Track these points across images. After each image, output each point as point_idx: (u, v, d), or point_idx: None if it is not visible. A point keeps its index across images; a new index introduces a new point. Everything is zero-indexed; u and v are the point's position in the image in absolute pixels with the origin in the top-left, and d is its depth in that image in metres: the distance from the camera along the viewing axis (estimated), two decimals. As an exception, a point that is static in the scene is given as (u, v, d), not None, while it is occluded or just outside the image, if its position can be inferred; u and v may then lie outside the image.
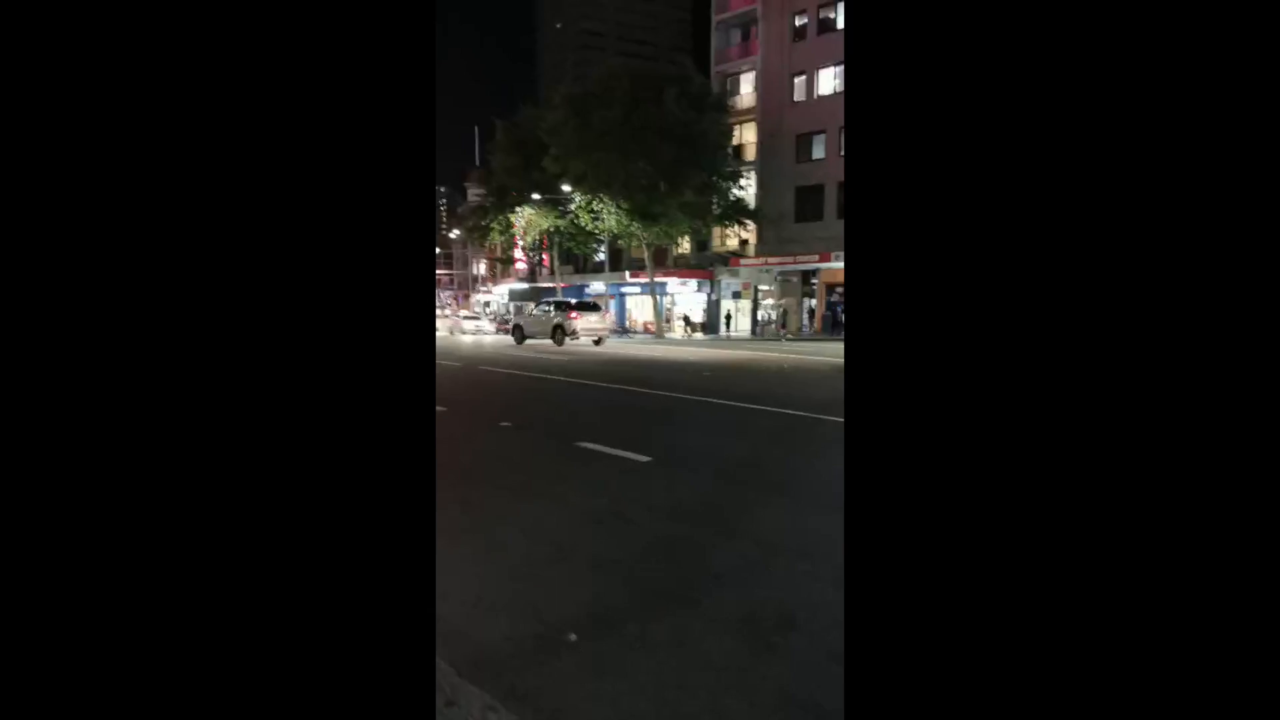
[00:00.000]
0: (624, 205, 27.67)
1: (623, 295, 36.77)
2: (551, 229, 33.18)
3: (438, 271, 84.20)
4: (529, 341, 21.12)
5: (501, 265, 45.05)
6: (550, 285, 37.38)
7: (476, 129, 56.76)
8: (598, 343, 20.90)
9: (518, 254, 40.27)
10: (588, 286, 37.88)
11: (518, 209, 33.76)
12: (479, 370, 13.09)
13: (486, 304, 47.13)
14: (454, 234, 65.99)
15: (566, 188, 29.23)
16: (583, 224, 30.63)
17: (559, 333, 20.71)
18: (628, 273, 35.14)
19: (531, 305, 26.47)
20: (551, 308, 22.31)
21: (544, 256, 38.97)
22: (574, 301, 22.96)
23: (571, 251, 35.70)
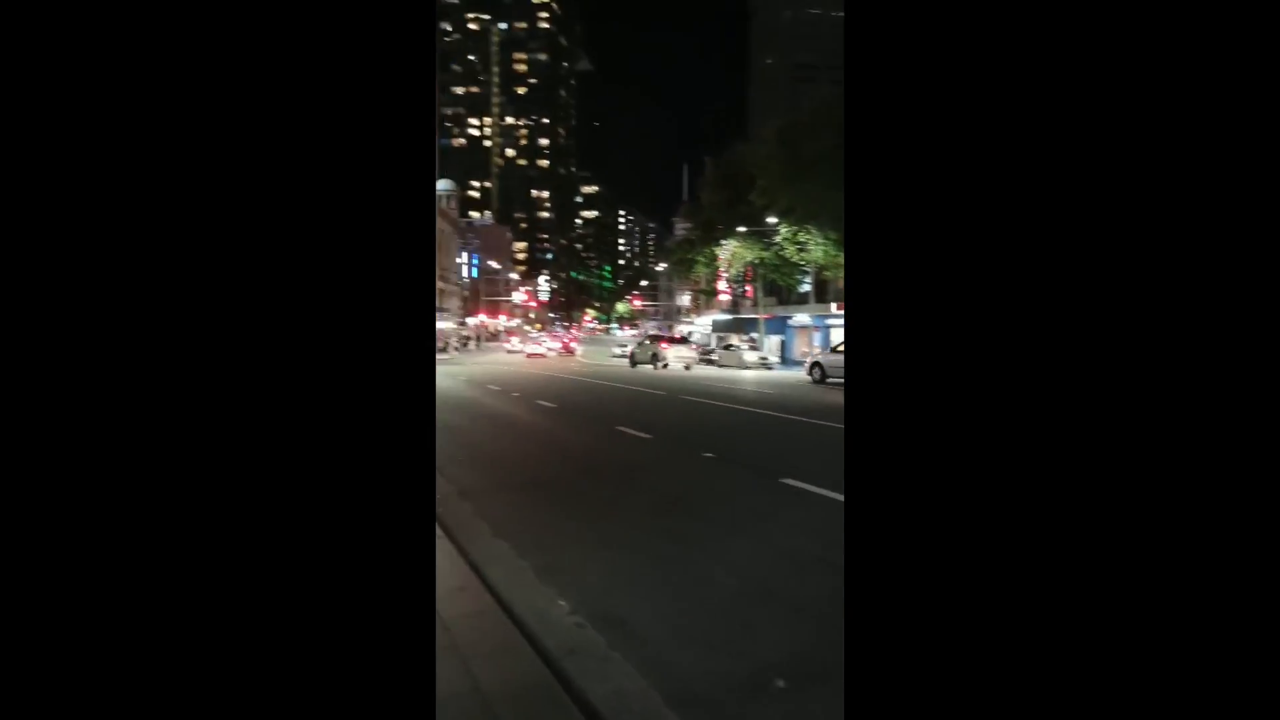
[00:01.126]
0: (831, 235, 26.96)
1: (828, 327, 35.61)
2: (756, 261, 33.26)
3: (643, 303, 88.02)
4: (641, 367, 27.84)
5: (705, 297, 45.95)
6: (753, 317, 37.33)
7: (685, 166, 58.91)
8: (687, 368, 26.40)
9: (721, 285, 40.82)
10: (791, 318, 37.26)
11: (723, 242, 34.32)
12: (680, 400, 13.40)
13: (689, 334, 48.38)
14: (660, 267, 68.63)
15: (772, 219, 29.18)
16: (788, 255, 30.32)
17: (655, 359, 27.62)
18: (834, 304, 34.00)
19: (637, 340, 36.67)
20: (650, 341, 31.56)
21: (747, 288, 39.10)
22: (666, 336, 33.37)
23: (775, 283, 35.41)
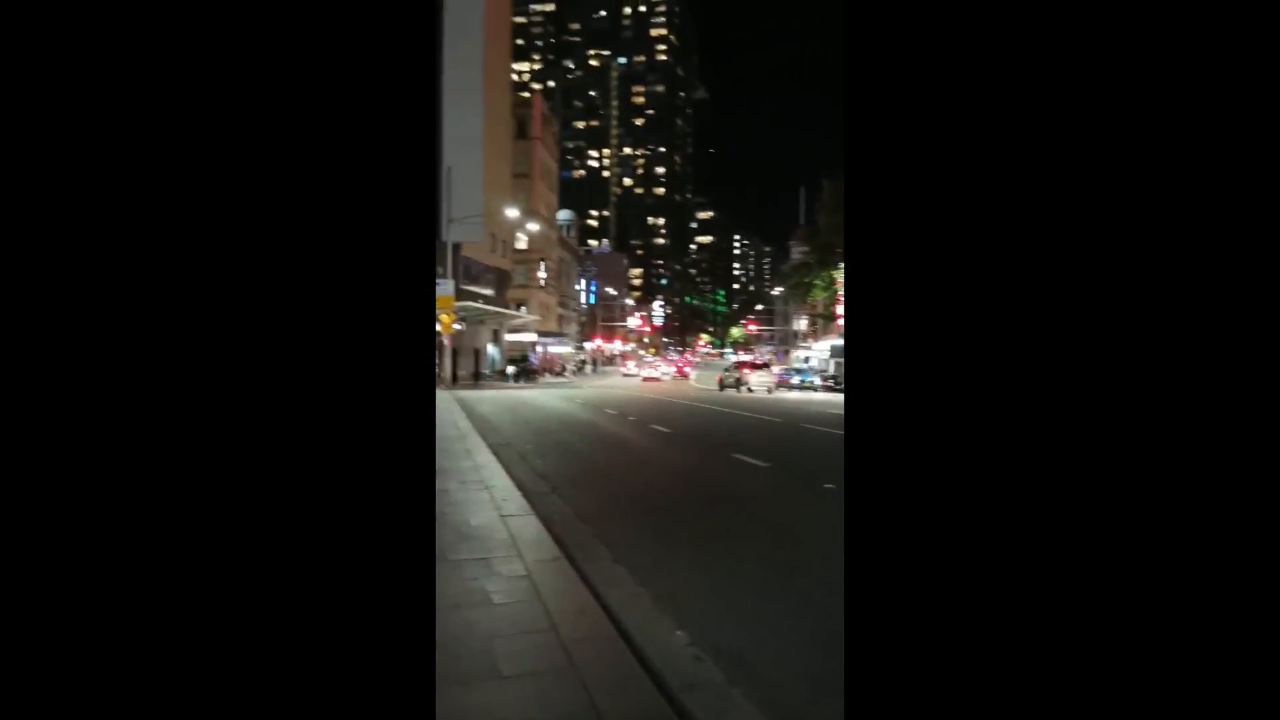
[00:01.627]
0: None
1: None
2: (877, 284, 32.26)
3: (758, 328, 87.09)
4: (729, 390, 30.37)
5: (823, 321, 44.80)
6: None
7: (801, 189, 58.15)
8: (769, 391, 29.12)
9: (839, 310, 39.72)
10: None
11: (841, 265, 33.53)
12: (798, 427, 13.05)
13: (806, 359, 47.27)
14: (775, 291, 67.70)
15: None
16: (912, 278, 29.23)
17: (739, 383, 30.71)
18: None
19: (727, 367, 40.24)
20: (734, 367, 34.94)
21: (868, 312, 37.87)
22: (748, 363, 37.92)
23: (898, 307, 34.12)
